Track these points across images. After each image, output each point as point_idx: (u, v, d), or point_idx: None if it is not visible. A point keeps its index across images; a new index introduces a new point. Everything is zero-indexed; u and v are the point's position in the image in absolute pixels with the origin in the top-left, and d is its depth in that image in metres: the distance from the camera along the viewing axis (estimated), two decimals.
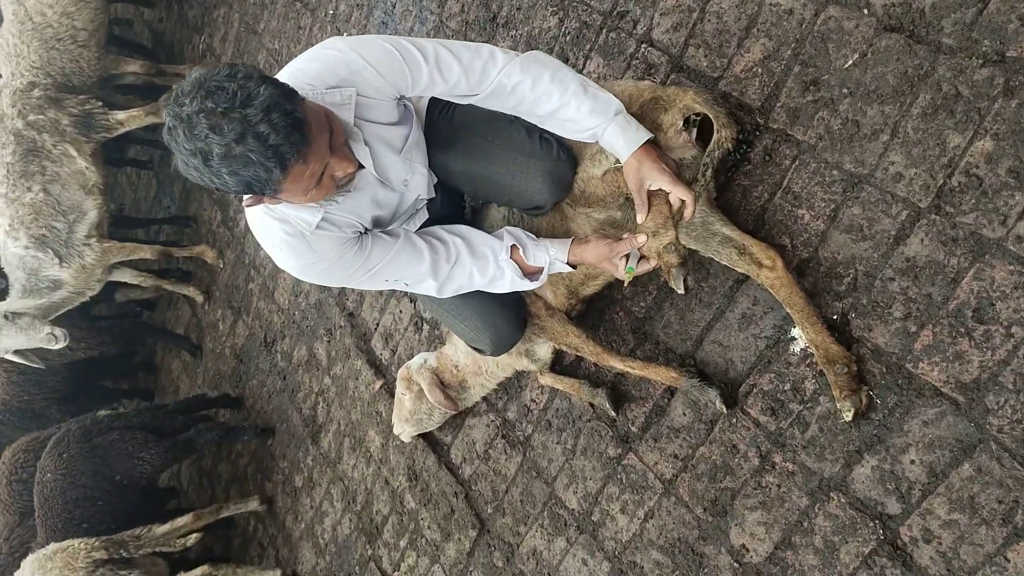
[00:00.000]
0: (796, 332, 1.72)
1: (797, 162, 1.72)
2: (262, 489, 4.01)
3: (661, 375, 1.91)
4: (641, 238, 1.72)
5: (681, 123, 1.73)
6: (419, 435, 2.80)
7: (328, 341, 3.49)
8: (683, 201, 1.65)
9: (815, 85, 1.68)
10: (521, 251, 1.84)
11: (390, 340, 3.10)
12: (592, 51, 2.21)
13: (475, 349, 2.13)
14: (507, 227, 1.90)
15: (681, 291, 1.63)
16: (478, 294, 1.94)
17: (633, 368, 1.95)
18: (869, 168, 1.59)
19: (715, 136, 1.68)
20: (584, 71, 2.21)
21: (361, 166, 1.61)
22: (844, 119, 1.63)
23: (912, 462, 1.52)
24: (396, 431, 2.73)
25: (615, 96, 1.70)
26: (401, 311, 3.03)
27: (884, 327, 1.57)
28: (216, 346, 4.63)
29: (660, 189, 1.66)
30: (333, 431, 3.45)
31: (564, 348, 2.08)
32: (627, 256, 1.76)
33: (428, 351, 2.64)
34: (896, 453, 1.54)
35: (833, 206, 1.65)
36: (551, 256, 1.83)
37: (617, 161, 1.72)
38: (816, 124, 1.68)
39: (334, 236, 1.68)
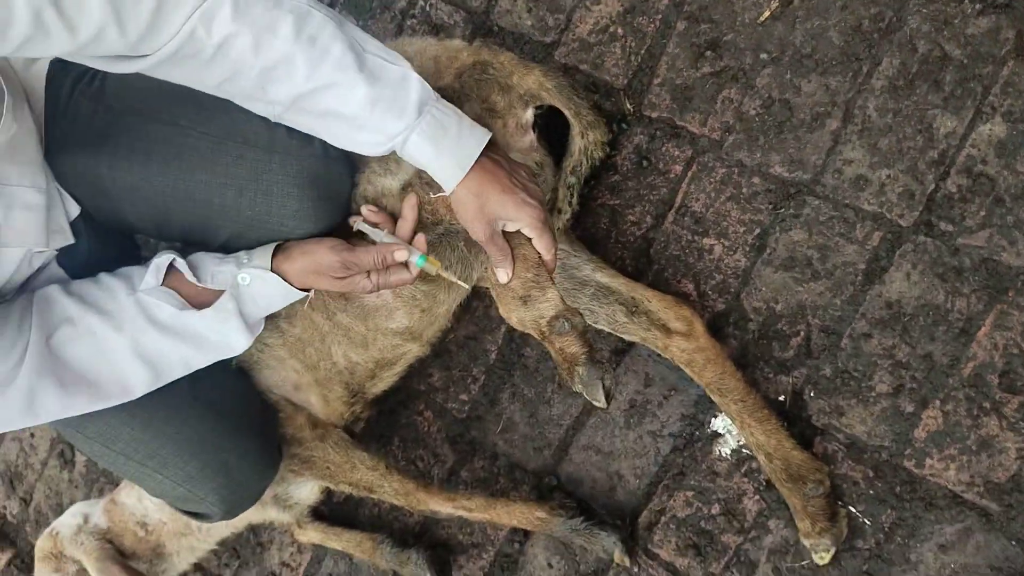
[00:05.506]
0: (720, 423, 1.13)
1: (696, 167, 1.13)
2: None
3: (518, 517, 1.18)
4: (400, 253, 0.98)
5: (528, 115, 1.05)
6: None
7: None
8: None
9: (714, 50, 1.11)
10: (186, 270, 0.98)
11: (19, 483, 1.90)
12: (336, 4, 1.41)
13: (188, 514, 1.18)
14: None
15: (602, 404, 0.93)
16: (181, 409, 1.05)
17: (471, 511, 1.19)
18: (813, 171, 1.06)
19: (577, 142, 1.07)
20: None
21: None
22: (765, 99, 1.08)
23: None
24: None
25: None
26: (32, 435, 1.86)
27: (863, 408, 1.04)
28: None
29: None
30: None
31: (347, 489, 1.24)
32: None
33: (90, 500, 1.57)
34: None
35: (758, 231, 1.09)
36: (244, 266, 0.98)
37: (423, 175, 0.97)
38: (720, 109, 1.11)
39: None
